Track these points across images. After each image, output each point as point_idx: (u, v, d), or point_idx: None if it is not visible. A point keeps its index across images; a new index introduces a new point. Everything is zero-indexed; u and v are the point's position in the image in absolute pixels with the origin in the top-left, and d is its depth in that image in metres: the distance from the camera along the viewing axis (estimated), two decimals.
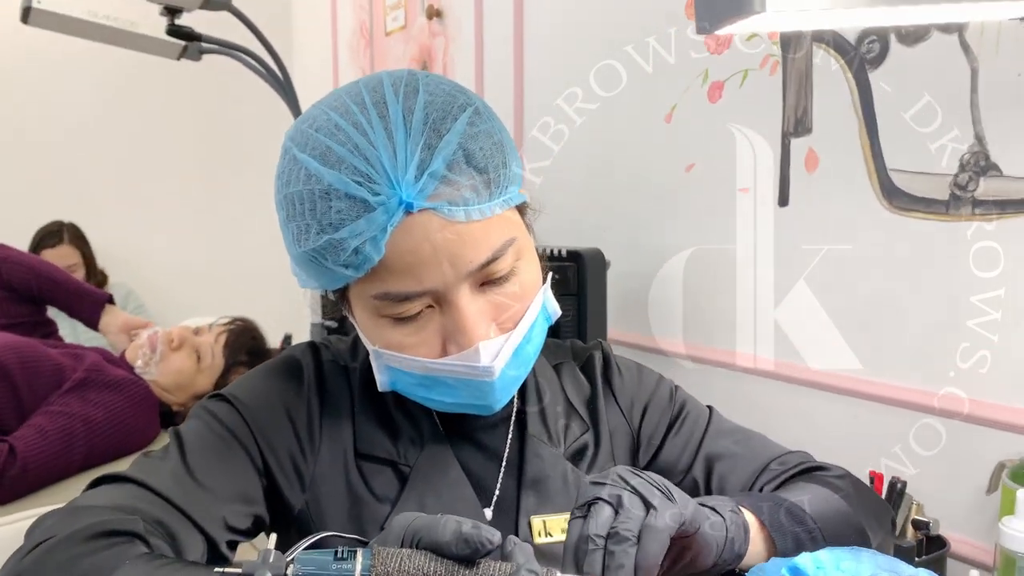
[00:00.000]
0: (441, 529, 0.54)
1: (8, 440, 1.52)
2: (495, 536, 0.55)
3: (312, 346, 0.89)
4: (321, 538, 0.57)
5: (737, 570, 0.73)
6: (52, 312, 2.10)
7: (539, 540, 0.82)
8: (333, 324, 2.56)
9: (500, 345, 0.72)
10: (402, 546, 0.55)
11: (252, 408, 0.80)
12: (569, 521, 0.63)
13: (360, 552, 0.53)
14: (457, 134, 0.66)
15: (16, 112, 3.56)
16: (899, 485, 1.41)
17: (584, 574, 0.58)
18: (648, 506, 0.61)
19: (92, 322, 2.07)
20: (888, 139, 1.50)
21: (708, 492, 0.91)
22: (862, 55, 1.53)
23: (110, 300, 2.10)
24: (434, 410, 0.85)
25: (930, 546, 1.36)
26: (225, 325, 2.06)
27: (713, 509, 0.69)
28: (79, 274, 3.29)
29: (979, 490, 1.39)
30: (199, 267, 3.90)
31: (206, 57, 2.31)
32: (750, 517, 0.73)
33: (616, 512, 0.60)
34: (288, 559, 0.54)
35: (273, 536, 0.60)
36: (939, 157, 1.42)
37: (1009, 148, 1.32)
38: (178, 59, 2.27)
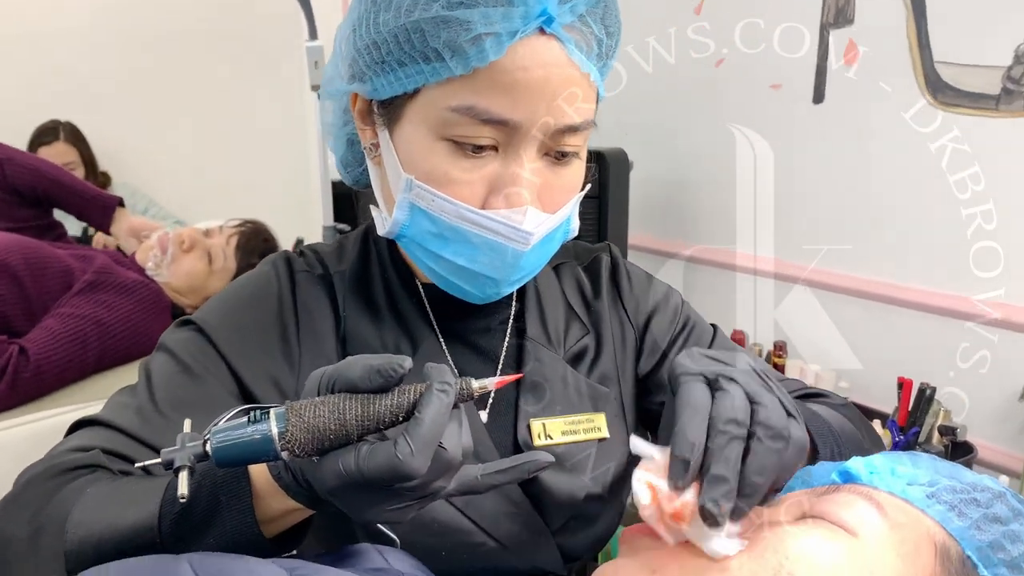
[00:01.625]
0: (351, 367, 0.52)
1: (20, 343, 1.50)
2: (406, 361, 0.52)
3: (285, 258, 0.83)
4: (243, 410, 0.54)
5: None
6: (60, 215, 2.07)
7: (539, 442, 0.80)
8: (346, 227, 2.51)
9: (543, 219, 0.68)
10: (318, 395, 0.53)
11: (221, 331, 0.75)
12: (686, 383, 0.52)
13: (273, 410, 0.52)
14: None
15: (12, 8, 3.42)
16: (928, 391, 1.38)
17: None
18: (788, 413, 0.53)
19: (103, 225, 2.02)
20: (937, 29, 1.40)
21: None
22: None
23: (120, 203, 2.05)
24: (427, 294, 0.81)
25: (956, 452, 1.34)
26: (236, 227, 2.02)
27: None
28: (78, 173, 3.22)
29: (1010, 397, 1.36)
30: (207, 170, 3.83)
31: None
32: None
33: (752, 403, 0.52)
34: (204, 436, 0.52)
35: (188, 421, 0.57)
36: (992, 48, 1.33)
37: None
38: None
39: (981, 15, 1.34)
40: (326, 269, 0.82)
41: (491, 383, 0.56)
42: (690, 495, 0.50)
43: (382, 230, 0.75)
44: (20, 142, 3.04)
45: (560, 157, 0.69)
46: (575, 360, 0.86)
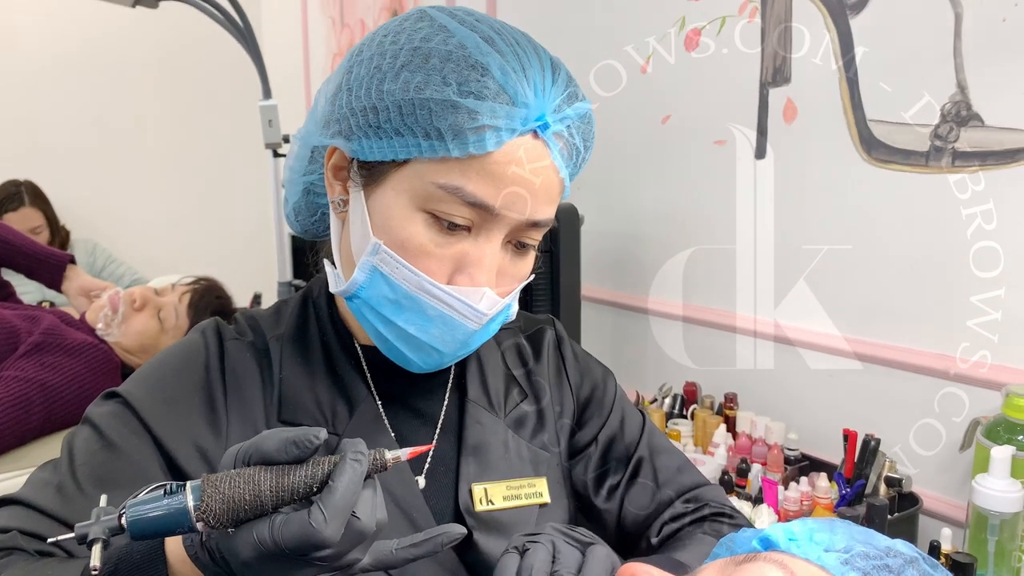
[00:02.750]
0: (267, 441, 0.54)
1: None
2: (321, 433, 0.54)
3: (214, 326, 0.83)
4: (160, 485, 0.54)
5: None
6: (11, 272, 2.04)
7: (480, 507, 0.79)
8: (302, 283, 2.50)
9: (496, 302, 0.72)
10: (234, 468, 0.54)
11: (146, 402, 0.75)
12: (502, 555, 0.61)
13: (189, 483, 0.52)
14: (587, 107, 0.72)
15: None
16: (872, 442, 1.39)
17: None
18: (584, 547, 0.63)
19: (54, 284, 2.00)
20: (868, 89, 1.45)
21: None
22: (843, 0, 1.48)
23: (72, 260, 2.02)
24: (365, 356, 0.81)
25: (902, 503, 1.35)
26: (189, 284, 2.00)
27: None
28: (43, 236, 3.18)
29: (952, 446, 1.38)
30: (166, 225, 3.81)
31: (164, 5, 2.20)
32: None
33: (554, 557, 0.61)
34: (119, 510, 0.53)
35: (104, 496, 0.57)
36: (920, 107, 1.38)
37: (992, 97, 1.28)
38: (133, 6, 2.17)
39: (908, 74, 1.39)
40: (261, 335, 0.82)
41: (404, 453, 0.57)
42: None
43: (335, 287, 0.76)
44: None
45: (520, 247, 0.74)
46: (516, 425, 0.87)
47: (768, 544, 0.62)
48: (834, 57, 1.50)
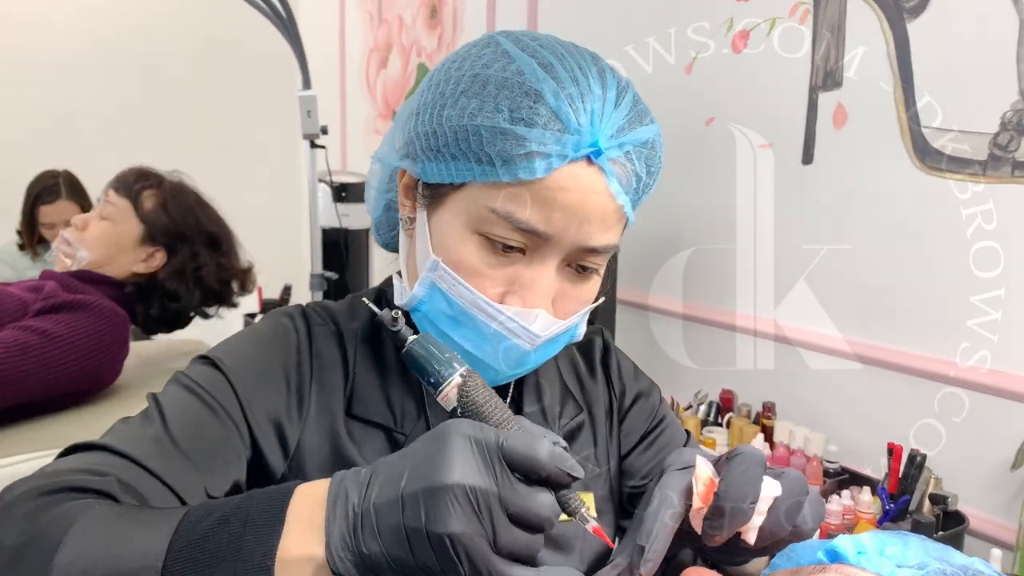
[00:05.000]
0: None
1: None
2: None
3: (302, 310, 0.84)
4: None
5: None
6: None
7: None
8: (334, 275, 2.50)
9: (551, 324, 0.72)
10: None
11: (239, 372, 0.75)
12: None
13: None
14: (652, 132, 0.71)
15: (2, 53, 3.44)
16: (918, 458, 1.36)
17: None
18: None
19: None
20: (924, 95, 1.42)
21: None
22: (901, 4, 1.44)
23: None
24: None
25: (948, 522, 1.31)
26: (140, 188, 1.90)
27: None
28: None
29: (1001, 465, 1.34)
30: None
31: None
32: None
33: None
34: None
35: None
36: (979, 114, 1.34)
37: None
38: None
39: (968, 81, 1.35)
40: (338, 326, 0.82)
41: (591, 524, 0.55)
42: None
43: (399, 300, 0.78)
44: (11, 188, 3.00)
45: (581, 271, 0.73)
46: (569, 438, 0.86)
47: (835, 556, 0.59)
48: (889, 61, 1.46)
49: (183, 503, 0.66)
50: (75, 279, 1.67)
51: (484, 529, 0.47)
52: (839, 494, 1.39)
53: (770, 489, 0.54)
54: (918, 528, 1.19)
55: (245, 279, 1.86)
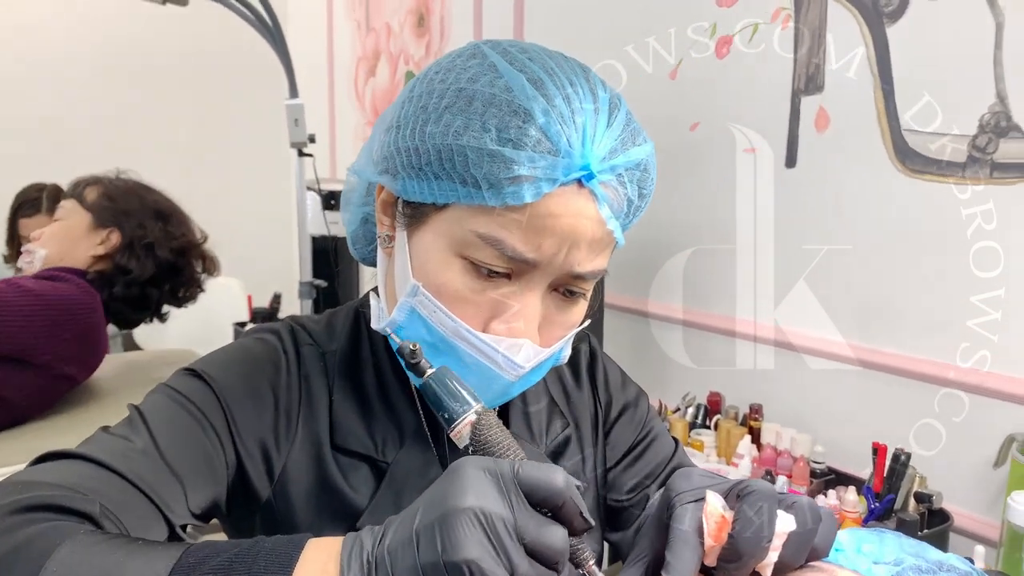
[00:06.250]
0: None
1: None
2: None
3: (289, 328, 0.80)
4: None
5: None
6: None
7: None
8: (323, 284, 2.50)
9: (536, 353, 0.69)
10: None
11: (228, 388, 0.72)
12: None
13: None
14: (645, 153, 0.67)
15: None
16: (902, 457, 1.37)
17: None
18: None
19: None
20: (904, 98, 1.43)
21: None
22: (880, 8, 1.46)
23: None
24: (419, 404, 0.79)
25: (932, 520, 1.32)
26: (88, 186, 1.90)
27: None
28: None
29: (985, 463, 1.35)
30: None
31: (194, 3, 2.21)
32: None
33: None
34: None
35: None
36: (957, 117, 1.36)
37: None
38: (163, 3, 2.18)
39: (946, 84, 1.37)
40: (320, 347, 0.79)
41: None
42: None
43: (376, 323, 0.74)
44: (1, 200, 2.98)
45: (568, 295, 0.70)
46: (555, 454, 0.84)
47: None
48: (869, 65, 1.48)
49: (164, 517, 0.63)
50: (39, 277, 1.67)
51: (501, 557, 0.45)
52: (825, 494, 1.40)
53: (784, 524, 0.53)
54: (903, 526, 1.20)
55: (203, 255, 1.85)
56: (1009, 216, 1.30)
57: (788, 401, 1.68)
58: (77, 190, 1.75)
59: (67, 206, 1.71)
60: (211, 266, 1.87)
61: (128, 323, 1.80)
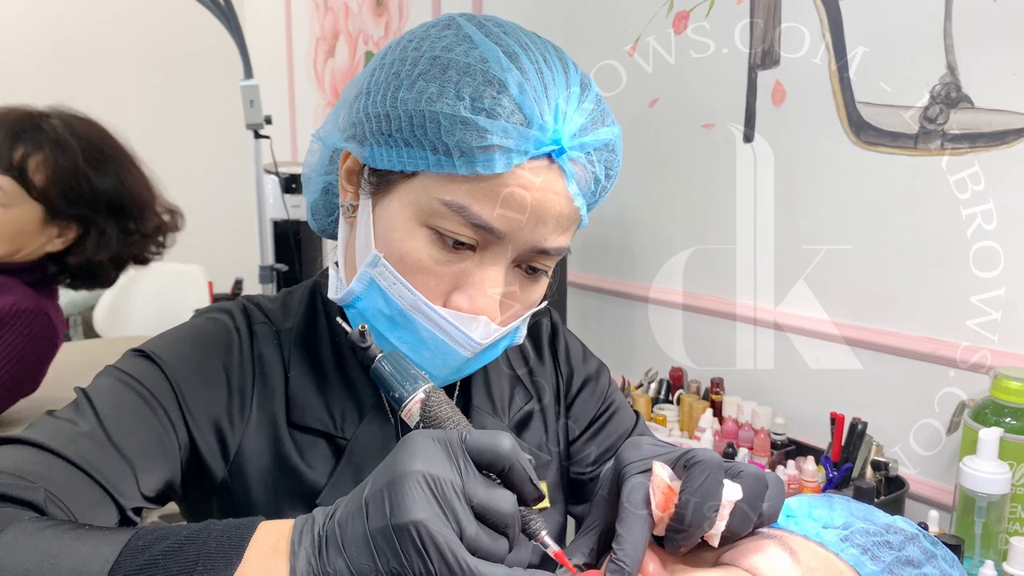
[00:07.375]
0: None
1: None
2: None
3: (242, 307, 0.79)
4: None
5: None
6: None
7: None
8: (284, 268, 2.47)
9: (493, 331, 0.68)
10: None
11: (178, 370, 0.70)
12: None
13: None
14: (613, 134, 0.69)
15: None
16: (859, 426, 1.39)
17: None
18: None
19: None
20: (857, 70, 1.44)
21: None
22: None
23: None
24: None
25: (889, 486, 1.35)
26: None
27: None
28: None
29: (939, 430, 1.38)
30: None
31: None
32: None
33: None
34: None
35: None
36: (909, 89, 1.37)
37: (982, 79, 1.28)
38: None
39: (898, 56, 1.38)
40: (274, 325, 0.78)
41: (552, 548, 0.53)
42: None
43: (334, 294, 0.73)
44: None
45: (530, 272, 0.70)
46: (519, 427, 0.84)
47: None
48: (823, 39, 1.49)
49: (114, 501, 0.62)
50: None
51: (449, 519, 0.44)
52: (785, 464, 1.42)
53: (731, 493, 0.53)
54: (859, 494, 1.22)
55: (166, 226, 1.75)
56: (992, 182, 1.32)
57: (749, 376, 1.70)
58: (14, 164, 1.57)
59: (8, 189, 1.54)
60: (174, 224, 1.77)
61: (88, 287, 1.72)
